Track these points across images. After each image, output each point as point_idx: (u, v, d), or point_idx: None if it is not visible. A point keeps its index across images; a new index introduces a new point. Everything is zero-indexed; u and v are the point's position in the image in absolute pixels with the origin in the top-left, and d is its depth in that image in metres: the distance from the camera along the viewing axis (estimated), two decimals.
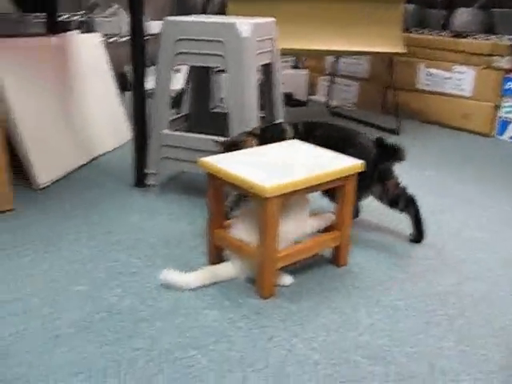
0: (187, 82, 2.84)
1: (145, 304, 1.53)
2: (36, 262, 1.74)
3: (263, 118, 2.30)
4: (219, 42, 2.00)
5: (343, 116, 3.74)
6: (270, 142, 1.80)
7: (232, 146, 1.79)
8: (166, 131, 2.19)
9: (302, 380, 1.27)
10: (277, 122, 2.01)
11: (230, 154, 1.72)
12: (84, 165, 2.62)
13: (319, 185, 1.57)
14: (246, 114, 2.05)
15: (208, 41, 2.02)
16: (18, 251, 1.80)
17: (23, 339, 1.37)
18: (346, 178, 1.64)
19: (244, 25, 1.99)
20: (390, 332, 1.45)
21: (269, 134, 1.89)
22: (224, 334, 1.41)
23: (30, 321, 1.45)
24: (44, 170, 2.34)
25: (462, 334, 1.45)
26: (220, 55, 2.02)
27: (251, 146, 1.80)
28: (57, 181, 2.42)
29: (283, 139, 1.85)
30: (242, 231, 1.60)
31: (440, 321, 1.50)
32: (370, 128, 3.42)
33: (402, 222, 2.08)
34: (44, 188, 2.33)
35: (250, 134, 1.88)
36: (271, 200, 1.45)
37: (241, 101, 2.03)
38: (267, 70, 2.36)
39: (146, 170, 2.28)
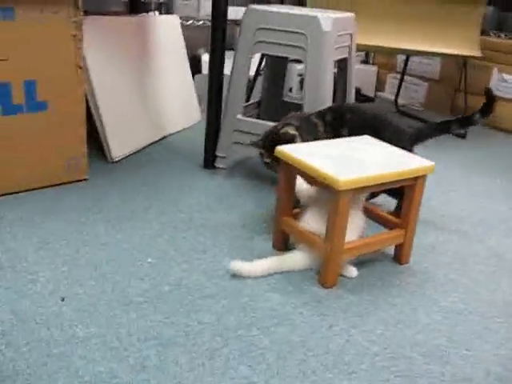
0: (258, 70, 2.90)
1: (211, 282, 1.59)
2: (109, 232, 1.82)
3: None
4: (301, 34, 2.03)
5: (410, 115, 3.72)
6: (305, 135, 1.81)
7: (273, 136, 1.79)
8: (240, 116, 2.24)
9: (359, 369, 1.31)
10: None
11: (304, 144, 1.75)
12: (155, 142, 2.70)
13: (390, 183, 1.59)
14: (320, 107, 2.07)
15: (290, 32, 2.06)
16: (93, 220, 1.89)
17: (96, 302, 1.46)
18: (417, 178, 1.65)
19: (326, 19, 2.02)
20: (447, 333, 1.47)
21: (303, 126, 1.87)
22: (286, 317, 1.46)
23: (103, 285, 1.53)
24: (118, 144, 2.43)
25: None
26: (301, 47, 2.05)
27: (292, 138, 1.77)
28: (129, 155, 2.51)
29: (316, 133, 1.87)
30: (311, 221, 1.65)
31: (498, 328, 1.51)
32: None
33: (466, 229, 2.09)
34: (117, 161, 2.42)
35: (290, 124, 1.83)
36: (343, 193, 1.48)
37: (316, 93, 2.07)
38: (342, 64, 2.38)
39: (216, 153, 2.35)
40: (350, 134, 1.82)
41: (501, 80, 3.60)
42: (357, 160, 1.63)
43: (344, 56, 2.29)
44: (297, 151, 1.65)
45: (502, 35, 3.88)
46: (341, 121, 1.87)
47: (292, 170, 1.64)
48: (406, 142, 1.80)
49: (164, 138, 2.78)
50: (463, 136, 3.31)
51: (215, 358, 1.29)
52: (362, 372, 1.30)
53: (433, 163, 1.68)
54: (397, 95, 3.95)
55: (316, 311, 1.50)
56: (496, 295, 1.67)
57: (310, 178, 1.57)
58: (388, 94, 4.24)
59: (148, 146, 2.65)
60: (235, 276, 1.61)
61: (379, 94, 4.28)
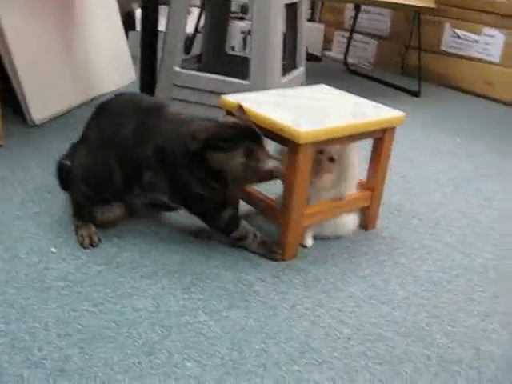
0: (197, 27, 2.63)
1: (148, 259, 1.32)
2: (25, 204, 1.53)
3: (284, 65, 2.07)
4: None
5: (360, 74, 3.50)
6: None
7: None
8: (178, 69, 1.97)
9: (331, 357, 1.08)
10: None
11: (255, 93, 1.49)
12: (84, 103, 2.39)
13: (357, 135, 1.35)
14: (270, 58, 1.83)
15: None
16: (7, 191, 1.59)
17: (5, 289, 1.17)
18: (385, 130, 1.43)
19: None
20: (427, 307, 1.27)
21: None
22: (239, 298, 1.22)
23: (15, 268, 1.24)
24: (39, 105, 2.11)
25: (509, 316, 1.26)
26: None
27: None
28: (53, 118, 2.19)
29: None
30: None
31: (481, 298, 1.32)
32: (390, 89, 3.19)
33: (435, 189, 1.89)
34: (38, 125, 2.10)
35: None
36: (304, 147, 1.24)
37: (265, 43, 1.81)
38: (291, 13, 2.12)
39: None
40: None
41: (453, 36, 3.42)
42: (317, 110, 1.40)
43: (294, 0, 2.02)
44: (247, 100, 1.40)
45: None
46: None
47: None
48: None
49: (94, 98, 2.46)
50: (417, 94, 3.13)
51: (155, 354, 1.04)
52: (336, 360, 1.07)
53: (402, 113, 1.46)
54: (346, 54, 3.73)
55: (274, 289, 1.26)
56: (473, 260, 1.48)
57: (265, 132, 1.32)
58: (336, 53, 4.01)
59: (76, 107, 2.33)
60: (176, 250, 1.35)
61: (326, 53, 4.04)
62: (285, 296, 1.24)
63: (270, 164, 1.23)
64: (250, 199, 1.45)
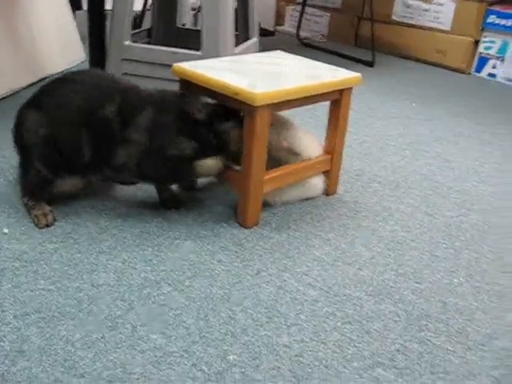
0: (146, 4, 2.56)
1: (106, 233, 1.27)
2: None
3: (236, 36, 2.03)
4: None
5: (314, 47, 3.48)
6: None
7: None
8: (128, 42, 1.90)
9: (299, 319, 1.06)
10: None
11: (207, 61, 1.45)
12: (31, 84, 2.29)
13: (312, 96, 1.33)
14: (221, 28, 1.79)
15: None
16: None
17: None
18: (342, 91, 1.41)
19: None
20: (393, 266, 1.26)
21: None
22: (202, 267, 1.19)
23: None
24: None
25: (472, 269, 1.26)
26: None
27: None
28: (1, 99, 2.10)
29: None
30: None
31: (446, 254, 1.32)
32: (344, 60, 3.17)
33: (394, 153, 1.89)
34: None
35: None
36: (261, 110, 1.21)
37: (216, 13, 1.77)
38: None
39: None
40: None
41: (405, 5, 3.42)
42: (273, 73, 1.36)
43: None
44: (200, 66, 1.35)
45: None
46: None
47: (196, 89, 1.33)
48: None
49: (42, 79, 2.37)
50: (371, 64, 3.12)
51: (118, 328, 1.00)
52: (304, 323, 1.05)
53: (358, 74, 1.44)
54: (298, 28, 3.69)
55: (238, 257, 1.24)
56: (436, 219, 1.48)
57: (219, 97, 1.28)
58: (288, 27, 3.97)
59: (22, 89, 2.24)
60: (134, 224, 1.31)
61: (279, 28, 4.00)
62: (249, 263, 1.22)
63: None
64: None
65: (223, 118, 1.28)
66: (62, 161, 1.26)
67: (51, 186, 1.31)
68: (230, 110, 1.29)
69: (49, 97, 1.28)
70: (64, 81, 1.30)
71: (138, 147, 1.24)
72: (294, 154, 1.42)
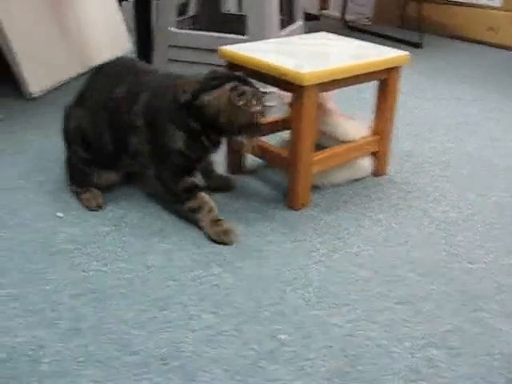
0: None
1: (157, 217, 1.29)
2: (29, 174, 1.49)
3: (281, 19, 2.01)
4: None
5: (360, 30, 3.43)
6: None
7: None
8: (174, 29, 1.92)
9: (350, 299, 1.05)
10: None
11: (254, 43, 1.45)
12: (81, 75, 2.33)
13: (360, 76, 1.31)
14: (266, 12, 1.78)
15: None
16: (8, 163, 1.56)
17: (13, 254, 1.14)
18: (391, 70, 1.39)
19: None
20: (445, 247, 1.23)
21: None
22: (252, 249, 1.19)
23: (23, 234, 1.21)
24: (35, 79, 2.07)
25: None
26: None
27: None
28: (51, 90, 2.14)
29: None
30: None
31: (499, 234, 1.28)
32: (390, 42, 3.11)
33: (443, 134, 1.85)
34: (36, 98, 2.05)
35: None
36: (309, 89, 1.20)
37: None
38: None
39: None
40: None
41: None
42: (319, 54, 1.36)
43: None
44: (246, 49, 1.36)
45: None
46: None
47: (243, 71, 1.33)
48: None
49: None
50: (419, 45, 3.06)
51: (170, 308, 1.01)
52: (355, 303, 1.04)
53: (406, 52, 1.41)
54: (343, 11, 3.64)
55: (288, 238, 1.23)
56: (488, 199, 1.45)
57: (267, 79, 1.27)
58: (333, 10, 3.92)
59: (73, 79, 2.28)
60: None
61: (324, 12, 3.95)
62: (299, 244, 1.21)
63: (256, 107, 1.15)
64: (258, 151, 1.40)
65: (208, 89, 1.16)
66: (92, 154, 1.29)
67: (92, 177, 1.33)
68: (225, 75, 1.20)
69: (83, 90, 1.32)
70: (96, 72, 1.33)
71: (142, 134, 1.23)
72: (333, 139, 1.41)
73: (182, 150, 1.20)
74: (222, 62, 1.41)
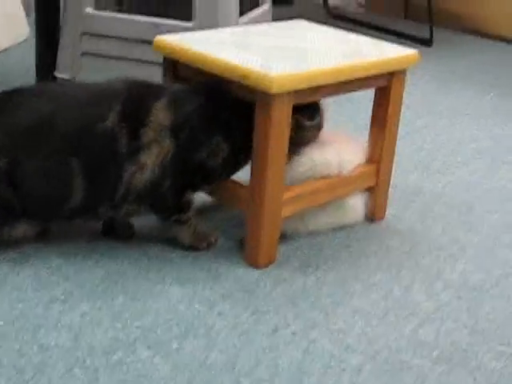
0: None
1: (60, 276, 1.26)
2: None
3: (242, 3, 2.05)
4: None
5: (349, 20, 3.51)
6: None
7: None
8: (91, 10, 1.94)
9: None
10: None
11: (204, 32, 1.47)
12: None
13: (351, 82, 1.34)
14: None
15: None
16: None
17: None
18: (393, 74, 1.42)
19: None
20: (466, 321, 1.25)
21: None
22: (196, 323, 1.19)
23: None
24: None
25: None
26: None
27: None
28: None
29: None
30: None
31: None
32: (390, 37, 3.19)
33: (463, 163, 1.89)
34: None
35: None
36: (279, 98, 1.21)
37: None
38: None
39: (56, 74, 2.07)
40: None
41: None
42: (296, 49, 1.38)
43: None
44: (191, 40, 1.38)
45: None
46: None
47: (185, 69, 1.37)
48: None
49: None
50: (428, 42, 3.16)
51: None
52: None
53: (414, 50, 1.45)
54: None
55: (246, 308, 1.24)
56: None
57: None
58: None
59: None
60: (100, 261, 1.30)
61: None
62: (262, 317, 1.21)
63: None
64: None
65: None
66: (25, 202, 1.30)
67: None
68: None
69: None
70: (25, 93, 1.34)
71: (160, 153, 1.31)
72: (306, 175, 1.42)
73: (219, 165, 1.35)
74: (157, 57, 1.41)
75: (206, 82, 1.35)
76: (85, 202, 1.30)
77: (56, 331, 1.13)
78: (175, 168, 1.32)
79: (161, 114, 1.30)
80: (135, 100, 1.32)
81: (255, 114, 1.25)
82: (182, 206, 1.38)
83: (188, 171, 1.34)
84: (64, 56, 2.02)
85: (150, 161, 1.30)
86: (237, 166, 1.41)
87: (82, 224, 1.45)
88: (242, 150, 1.36)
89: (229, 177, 1.41)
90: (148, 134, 1.29)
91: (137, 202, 1.34)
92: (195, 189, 1.39)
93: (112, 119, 1.28)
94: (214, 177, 1.38)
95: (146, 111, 1.30)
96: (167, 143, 1.30)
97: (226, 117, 1.34)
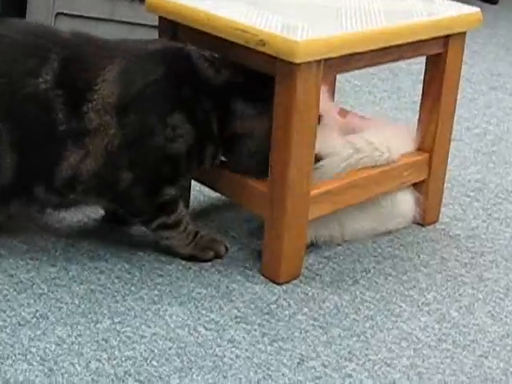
0: None
1: (32, 292, 1.27)
2: None
3: None
4: None
5: None
6: None
7: None
8: None
9: None
10: None
11: None
12: None
13: (395, 48, 1.35)
14: None
15: None
16: None
17: None
18: (449, 38, 1.43)
19: None
20: None
21: None
22: (201, 353, 1.19)
23: None
24: None
25: None
26: None
27: None
28: None
29: None
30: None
31: None
32: None
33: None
34: None
35: None
36: (305, 69, 1.22)
37: None
38: None
39: None
40: None
41: None
42: (324, 7, 1.40)
43: None
44: None
45: None
46: None
47: (186, 32, 1.38)
48: None
49: None
50: (494, 0, 3.17)
51: None
52: None
53: (477, 9, 1.47)
54: None
55: (265, 334, 1.25)
56: None
57: (229, 50, 1.31)
58: None
59: None
60: (82, 274, 1.32)
61: None
62: (285, 345, 1.22)
63: None
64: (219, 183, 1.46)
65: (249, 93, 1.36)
66: None
67: None
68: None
69: None
70: None
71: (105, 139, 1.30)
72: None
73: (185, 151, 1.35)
74: (149, 18, 1.42)
75: (169, 47, 1.37)
76: (16, 179, 1.30)
77: (25, 363, 1.14)
78: (129, 158, 1.33)
79: (107, 88, 1.30)
80: (79, 60, 1.31)
81: (275, 89, 1.26)
82: (163, 207, 1.39)
83: (148, 161, 1.35)
84: (34, 18, 2.03)
85: (93, 146, 1.30)
86: (215, 155, 1.42)
87: (54, 225, 1.46)
88: (220, 136, 1.39)
89: (211, 165, 1.42)
90: (90, 114, 1.29)
91: (88, 194, 1.36)
92: (173, 183, 1.39)
93: (45, 78, 1.28)
94: (188, 166, 1.39)
95: (91, 81, 1.30)
96: (112, 126, 1.30)
97: (188, 93, 1.34)
